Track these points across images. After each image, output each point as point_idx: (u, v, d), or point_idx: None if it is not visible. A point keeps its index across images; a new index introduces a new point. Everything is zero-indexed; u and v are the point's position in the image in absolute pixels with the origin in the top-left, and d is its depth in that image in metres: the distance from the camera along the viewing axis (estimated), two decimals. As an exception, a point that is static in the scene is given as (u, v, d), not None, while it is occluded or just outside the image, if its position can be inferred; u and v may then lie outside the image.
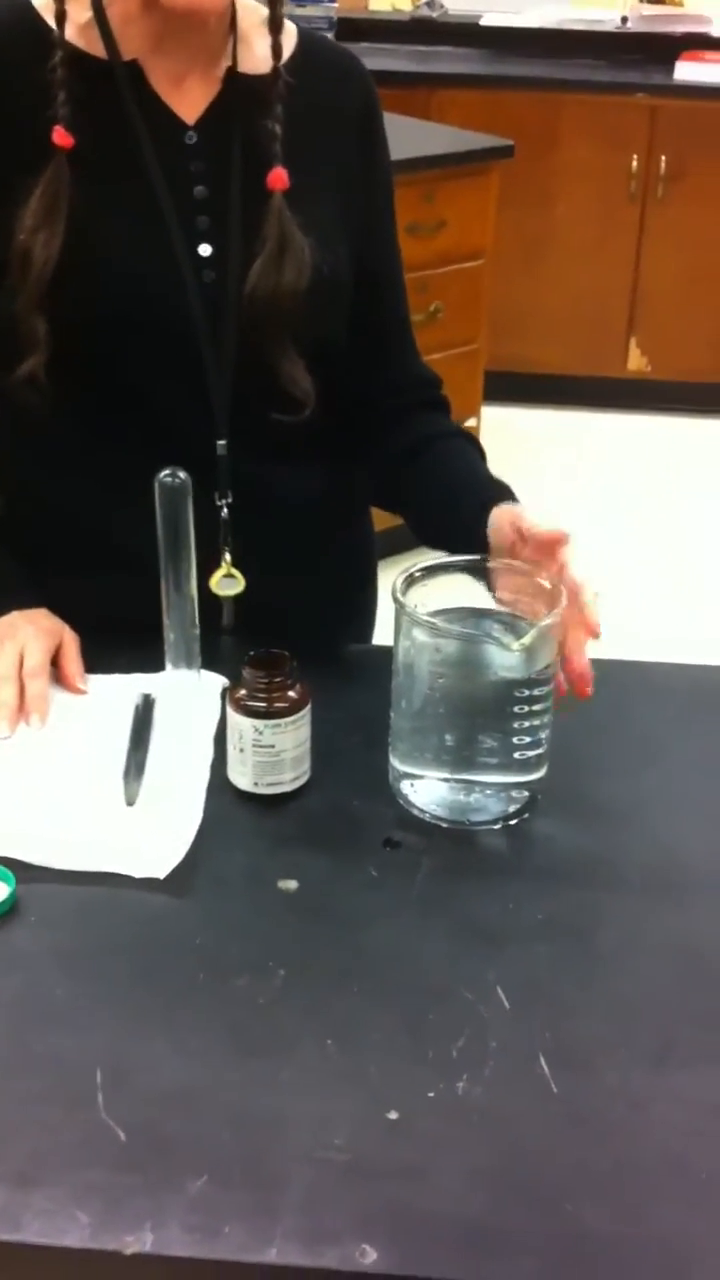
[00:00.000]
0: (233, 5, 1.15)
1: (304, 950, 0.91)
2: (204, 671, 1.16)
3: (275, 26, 1.15)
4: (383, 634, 1.20)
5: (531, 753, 1.02)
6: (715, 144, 4.06)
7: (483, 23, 4.51)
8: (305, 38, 1.22)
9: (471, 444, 1.30)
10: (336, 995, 0.87)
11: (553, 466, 3.86)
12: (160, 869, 0.97)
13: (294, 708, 1.03)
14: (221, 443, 1.19)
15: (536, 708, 1.00)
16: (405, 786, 1.05)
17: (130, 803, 1.03)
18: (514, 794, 1.04)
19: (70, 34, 1.11)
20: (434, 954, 0.91)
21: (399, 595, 1.01)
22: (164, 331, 1.15)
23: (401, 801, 1.05)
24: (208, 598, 1.19)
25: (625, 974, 0.90)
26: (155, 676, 1.17)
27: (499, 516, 1.12)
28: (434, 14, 4.62)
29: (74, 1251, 0.71)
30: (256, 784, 1.04)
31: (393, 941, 0.92)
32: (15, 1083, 0.81)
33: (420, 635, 1.00)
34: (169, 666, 1.15)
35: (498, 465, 1.26)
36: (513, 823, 1.04)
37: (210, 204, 1.16)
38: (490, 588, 1.09)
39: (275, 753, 1.03)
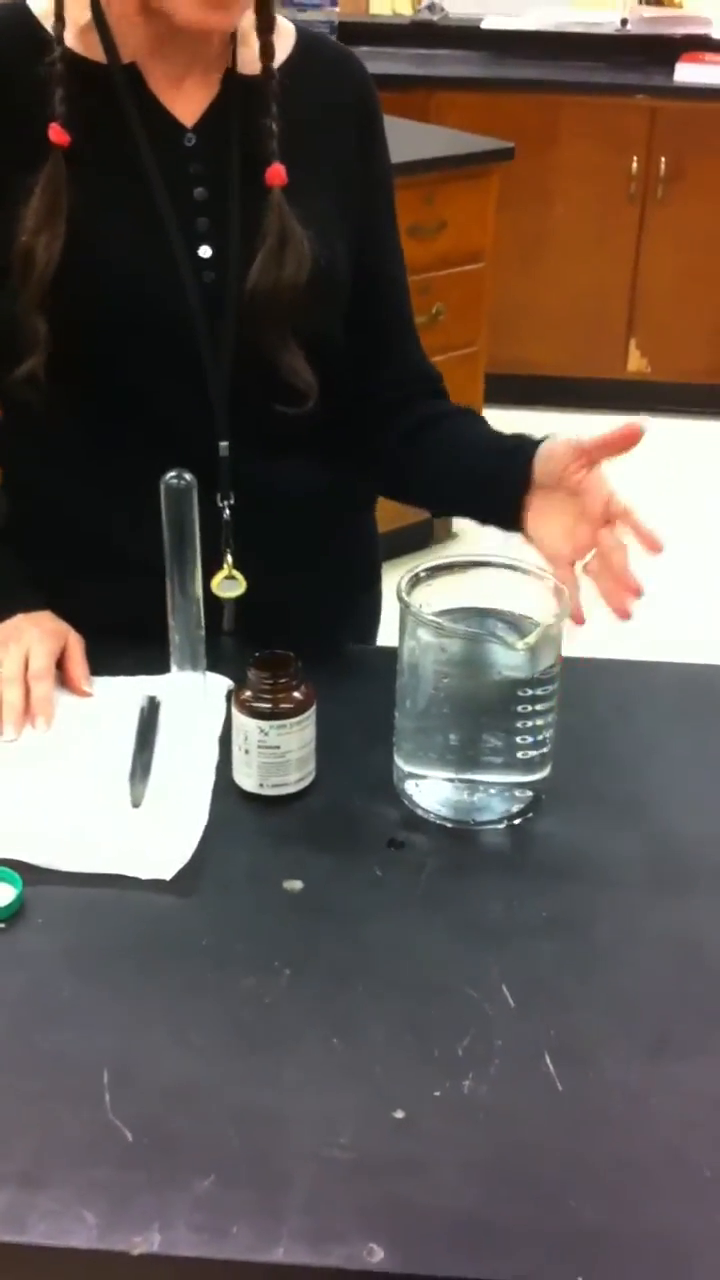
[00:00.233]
0: None
1: (309, 949, 0.91)
2: (209, 673, 1.16)
3: (265, 27, 1.15)
4: (387, 637, 1.20)
5: (535, 752, 1.02)
6: (715, 145, 4.07)
7: (483, 26, 4.51)
8: (303, 37, 1.23)
9: (480, 418, 1.31)
10: (342, 994, 0.87)
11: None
12: (166, 870, 0.97)
13: (299, 709, 1.03)
14: (224, 444, 1.19)
15: (540, 707, 1.00)
16: (410, 786, 1.05)
17: (136, 804, 1.03)
18: (518, 793, 1.04)
19: (69, 39, 1.11)
20: (439, 953, 0.91)
21: (403, 595, 1.01)
22: (164, 334, 1.16)
23: (406, 801, 1.05)
24: (209, 600, 1.19)
25: (629, 971, 0.90)
26: (160, 678, 1.17)
27: (549, 445, 1.12)
28: (434, 17, 4.63)
29: (81, 1252, 0.71)
30: (262, 785, 1.04)
31: (397, 940, 0.92)
32: (22, 1082, 0.81)
33: (425, 635, 1.00)
34: (174, 668, 1.15)
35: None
36: (516, 822, 1.04)
37: (210, 205, 1.16)
38: (521, 527, 1.12)
39: (280, 753, 1.03)
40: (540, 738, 1.02)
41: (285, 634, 1.06)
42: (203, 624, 1.14)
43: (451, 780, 1.03)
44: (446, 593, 1.05)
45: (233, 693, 1.06)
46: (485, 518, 1.22)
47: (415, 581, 1.04)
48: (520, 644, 0.97)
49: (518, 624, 1.03)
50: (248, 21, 1.17)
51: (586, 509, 1.08)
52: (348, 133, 1.24)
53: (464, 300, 3.20)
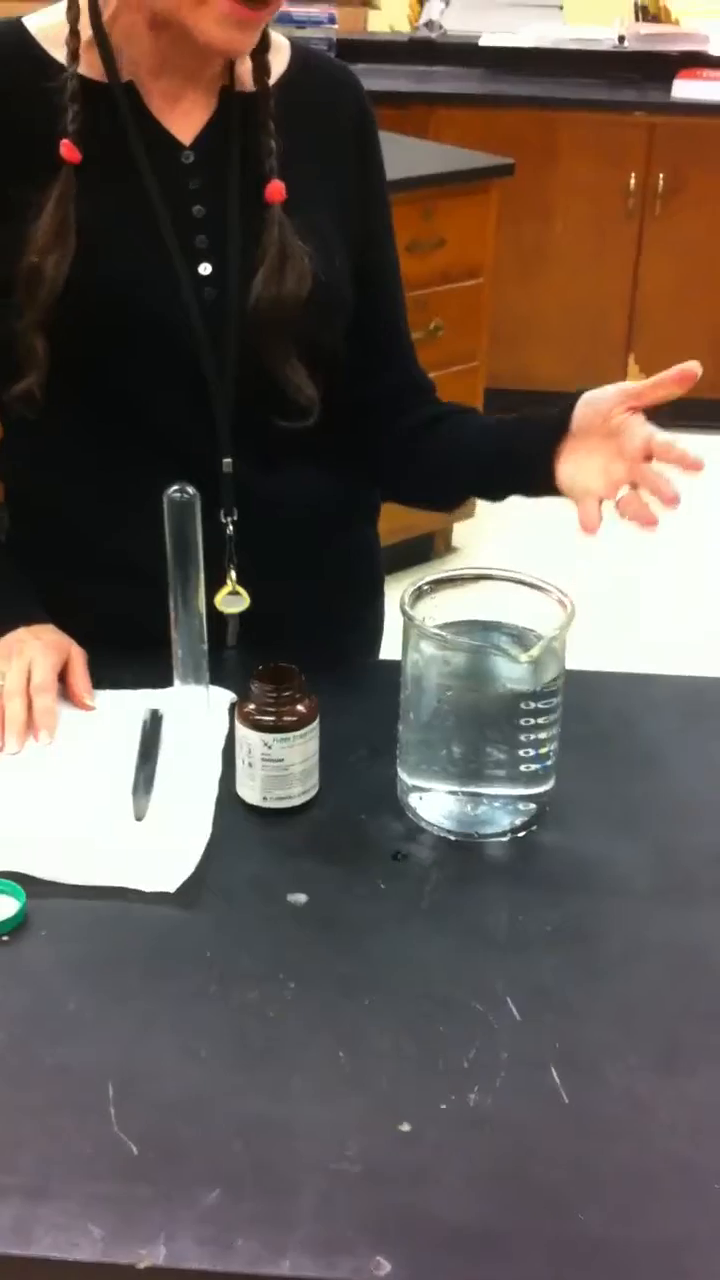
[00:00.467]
0: None
1: (314, 962, 0.91)
2: (212, 687, 1.17)
3: (261, 45, 1.15)
4: (390, 650, 1.20)
5: (538, 764, 1.02)
6: (712, 160, 4.08)
7: (481, 43, 4.53)
8: (299, 53, 1.23)
9: (480, 413, 1.32)
10: (346, 1007, 0.87)
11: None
12: (170, 883, 0.97)
13: (302, 722, 1.03)
14: (227, 460, 1.20)
15: (543, 720, 1.01)
16: (413, 799, 1.05)
17: (139, 818, 1.03)
18: (521, 806, 1.04)
19: (69, 57, 1.12)
20: (443, 965, 0.91)
21: (407, 608, 1.02)
22: (166, 351, 1.16)
23: (409, 814, 1.06)
24: (212, 614, 1.20)
25: (634, 982, 0.90)
26: (163, 692, 1.17)
27: (592, 392, 1.11)
28: (433, 34, 4.65)
29: (87, 1265, 0.71)
30: (265, 798, 1.05)
31: (402, 953, 0.92)
32: (27, 1095, 0.81)
33: (429, 647, 1.00)
34: (177, 682, 1.15)
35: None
36: (520, 834, 1.04)
37: (209, 223, 1.17)
38: (551, 474, 1.13)
39: (284, 766, 1.03)
40: (543, 750, 1.02)
41: (288, 647, 1.06)
42: (205, 638, 1.14)
43: (455, 793, 1.03)
44: (450, 606, 1.05)
45: (236, 706, 1.07)
46: (510, 479, 1.21)
47: (419, 594, 1.04)
48: (524, 657, 0.97)
49: (521, 637, 1.03)
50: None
51: (624, 447, 1.08)
52: (345, 148, 1.24)
53: (464, 315, 3.21)
